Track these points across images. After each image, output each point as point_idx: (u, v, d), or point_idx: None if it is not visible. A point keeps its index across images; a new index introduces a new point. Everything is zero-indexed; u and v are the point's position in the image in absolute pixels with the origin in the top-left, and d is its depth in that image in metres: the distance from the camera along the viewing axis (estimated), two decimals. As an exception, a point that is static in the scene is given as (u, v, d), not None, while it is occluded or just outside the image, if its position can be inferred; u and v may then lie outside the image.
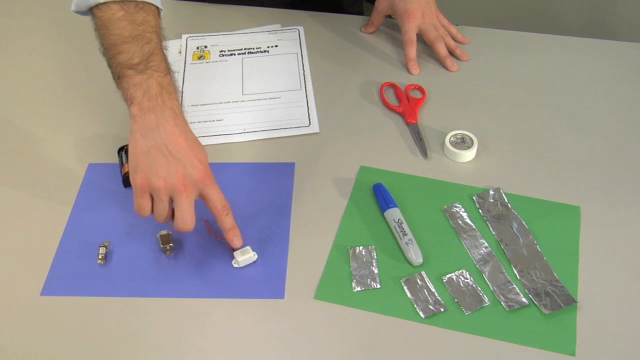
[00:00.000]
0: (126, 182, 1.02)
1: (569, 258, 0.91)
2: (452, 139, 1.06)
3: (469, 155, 1.04)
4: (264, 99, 1.16)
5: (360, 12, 1.46)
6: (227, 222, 0.89)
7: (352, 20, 1.32)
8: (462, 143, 1.06)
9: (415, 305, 0.87)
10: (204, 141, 1.08)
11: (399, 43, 1.25)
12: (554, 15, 2.16)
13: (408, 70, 1.20)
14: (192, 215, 0.86)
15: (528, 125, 1.10)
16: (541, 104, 1.13)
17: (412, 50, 1.21)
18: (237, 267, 0.92)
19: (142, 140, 0.85)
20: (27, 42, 1.31)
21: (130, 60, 0.87)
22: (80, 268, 0.93)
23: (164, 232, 0.95)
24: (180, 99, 0.90)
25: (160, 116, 0.85)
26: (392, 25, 1.30)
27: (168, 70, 0.89)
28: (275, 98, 1.16)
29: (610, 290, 0.88)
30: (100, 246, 0.94)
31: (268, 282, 0.91)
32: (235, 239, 0.90)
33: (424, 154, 1.05)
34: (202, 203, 0.99)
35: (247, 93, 1.17)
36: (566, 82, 1.17)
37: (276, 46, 1.26)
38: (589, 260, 0.91)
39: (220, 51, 1.26)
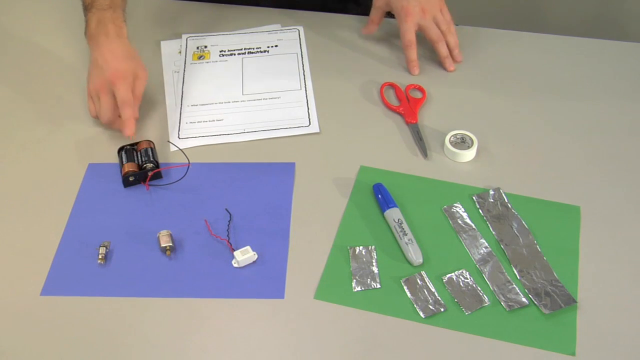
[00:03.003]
0: (126, 182, 1.02)
1: (569, 258, 0.91)
2: (452, 139, 1.06)
3: (469, 155, 1.04)
4: (264, 99, 1.16)
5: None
6: (125, 112, 1.06)
7: (352, 20, 1.32)
8: (462, 143, 1.06)
9: (415, 305, 0.87)
10: (204, 141, 1.09)
11: (400, 43, 1.24)
12: (554, 15, 2.16)
13: (408, 71, 1.20)
14: (108, 109, 1.07)
15: (528, 126, 1.10)
16: (541, 104, 1.13)
17: (412, 52, 1.17)
18: (237, 267, 0.92)
19: (91, 59, 1.13)
20: (27, 42, 1.31)
21: (84, 2, 1.16)
22: (80, 268, 0.93)
23: (164, 232, 0.95)
24: (123, 26, 1.13)
25: (97, 40, 1.11)
26: (392, 25, 1.29)
27: (108, 6, 1.13)
28: (275, 98, 1.16)
29: (610, 290, 0.88)
30: (100, 246, 0.94)
31: (268, 282, 0.91)
32: (126, 129, 1.05)
33: (424, 154, 1.05)
34: (202, 207, 0.99)
35: (247, 93, 1.17)
36: (566, 82, 1.17)
37: (276, 46, 1.26)
38: (589, 260, 0.91)
39: (220, 51, 1.26)
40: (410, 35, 1.17)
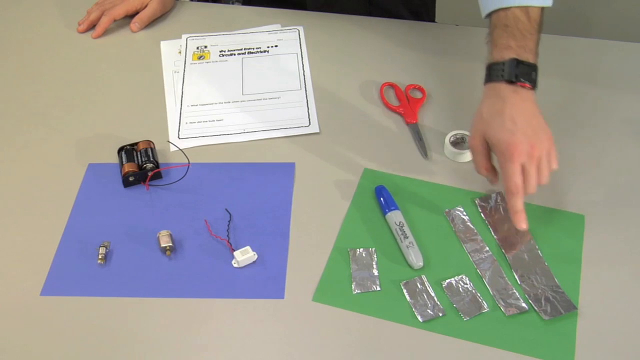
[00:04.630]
0: (126, 182, 1.02)
1: (572, 265, 0.91)
2: (452, 139, 1.06)
3: (469, 155, 1.04)
4: (264, 99, 1.16)
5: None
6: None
7: (352, 20, 1.32)
8: (462, 143, 1.06)
9: (413, 309, 0.87)
10: (204, 141, 1.09)
11: (399, 43, 1.24)
12: (556, 16, 2.16)
13: (514, 224, 0.91)
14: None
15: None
16: (544, 108, 1.12)
17: (519, 201, 0.91)
18: (237, 267, 0.92)
19: None
20: (27, 41, 1.31)
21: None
22: (80, 268, 0.93)
23: (164, 232, 0.95)
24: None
25: None
26: (392, 25, 1.29)
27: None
28: (275, 98, 1.16)
29: (612, 299, 0.88)
30: (100, 246, 0.94)
31: (268, 282, 0.91)
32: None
33: (424, 154, 1.05)
34: (202, 207, 0.99)
35: (247, 93, 1.17)
36: (569, 85, 1.16)
37: (276, 46, 1.26)
38: (591, 268, 0.91)
39: (220, 51, 1.25)
40: (517, 179, 0.90)
